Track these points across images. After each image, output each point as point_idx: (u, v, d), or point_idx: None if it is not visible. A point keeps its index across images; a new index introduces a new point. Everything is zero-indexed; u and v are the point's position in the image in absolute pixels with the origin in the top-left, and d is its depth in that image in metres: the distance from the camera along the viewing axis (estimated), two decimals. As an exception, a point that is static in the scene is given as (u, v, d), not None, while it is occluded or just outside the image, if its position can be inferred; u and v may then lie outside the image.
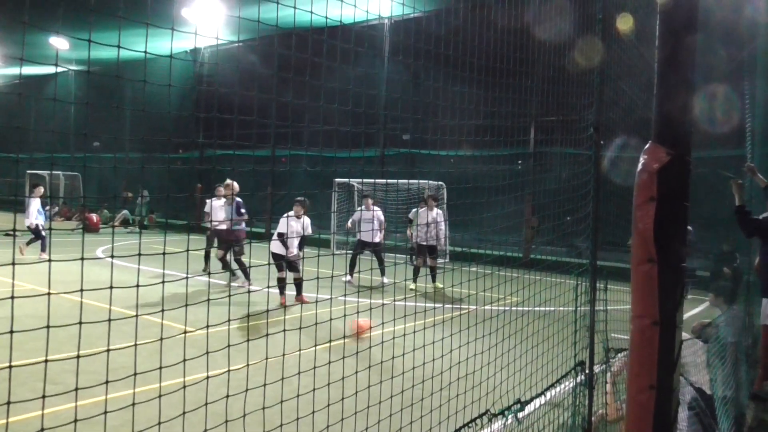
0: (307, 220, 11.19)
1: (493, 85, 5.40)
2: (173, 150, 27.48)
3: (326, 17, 4.49)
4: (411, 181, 17.25)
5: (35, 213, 15.83)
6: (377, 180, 18.26)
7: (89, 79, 31.67)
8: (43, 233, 15.81)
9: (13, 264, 2.83)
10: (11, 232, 17.94)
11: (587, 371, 5.34)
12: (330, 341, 4.09)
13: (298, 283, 10.54)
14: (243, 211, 11.90)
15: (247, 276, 12.15)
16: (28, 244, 16.35)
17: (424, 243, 11.94)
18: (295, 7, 4.06)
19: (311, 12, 4.03)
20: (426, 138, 18.60)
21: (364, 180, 18.61)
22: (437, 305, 10.08)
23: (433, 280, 12.05)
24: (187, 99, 26.50)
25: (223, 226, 11.62)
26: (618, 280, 6.03)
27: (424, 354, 4.65)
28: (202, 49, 26.22)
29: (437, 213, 11.95)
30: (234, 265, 11.97)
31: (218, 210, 12.58)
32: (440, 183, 15.97)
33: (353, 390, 4.22)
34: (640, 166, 2.87)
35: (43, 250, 15.85)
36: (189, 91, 26.11)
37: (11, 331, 2.66)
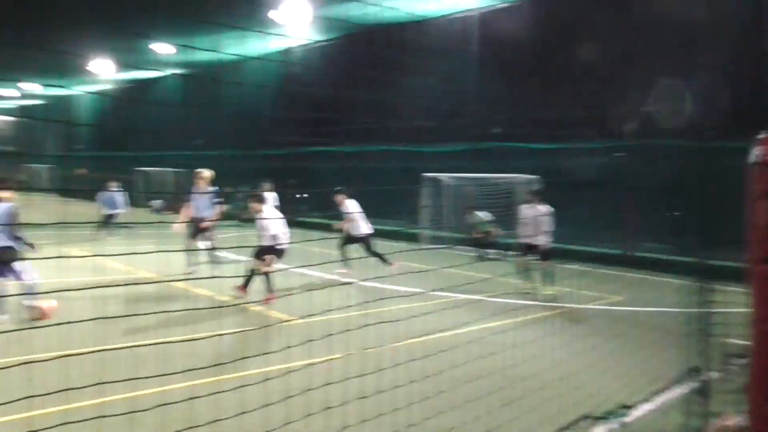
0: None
1: (593, 76, 5.21)
2: (266, 147, 28.45)
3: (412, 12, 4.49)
4: (502, 175, 16.93)
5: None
6: (467, 174, 18.10)
7: (190, 81, 33.43)
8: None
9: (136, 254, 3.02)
10: (130, 225, 19.08)
11: (701, 377, 5.03)
12: (418, 337, 4.11)
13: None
14: (216, 200, 12.26)
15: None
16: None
17: (530, 242, 10.75)
18: (381, 5, 4.07)
19: (393, 8, 4.05)
20: (518, 131, 18.27)
21: (454, 175, 18.51)
22: (532, 303, 9.86)
23: (546, 282, 10.99)
24: (278, 97, 27.35)
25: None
26: (731, 279, 5.67)
27: (520, 352, 4.57)
28: (291, 49, 26.99)
29: (541, 209, 10.87)
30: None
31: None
32: (534, 177, 15.55)
33: (449, 385, 4.22)
34: (753, 158, 2.67)
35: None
36: (280, 90, 26.93)
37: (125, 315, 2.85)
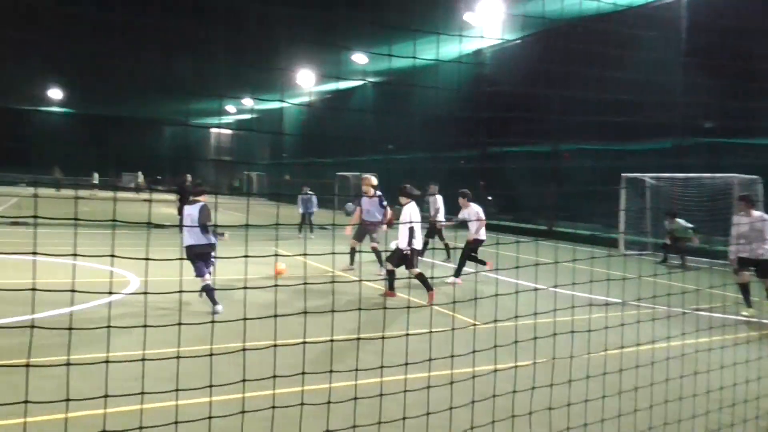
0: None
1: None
2: (457, 149, 28.76)
3: (614, 3, 4.23)
4: (715, 174, 15.18)
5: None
6: (673, 174, 16.60)
7: (384, 89, 35.01)
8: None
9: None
10: (328, 227, 20.61)
11: None
12: (612, 349, 3.86)
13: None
14: (384, 203, 11.98)
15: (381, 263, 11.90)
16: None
17: (748, 256, 9.17)
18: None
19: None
20: (735, 125, 16.30)
21: (658, 174, 17.07)
22: (752, 320, 8.76)
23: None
24: (469, 99, 27.53)
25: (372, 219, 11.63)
26: None
27: (731, 374, 4.08)
28: (483, 49, 26.99)
29: (756, 215, 9.26)
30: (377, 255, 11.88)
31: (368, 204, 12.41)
32: (755, 177, 13.64)
33: (645, 403, 3.92)
34: None
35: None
36: (472, 91, 27.07)
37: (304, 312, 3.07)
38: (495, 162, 24.78)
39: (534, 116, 20.37)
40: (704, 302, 8.63)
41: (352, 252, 11.69)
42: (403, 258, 8.98)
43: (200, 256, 7.78)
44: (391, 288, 9.45)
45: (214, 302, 7.73)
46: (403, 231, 8.96)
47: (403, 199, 9.31)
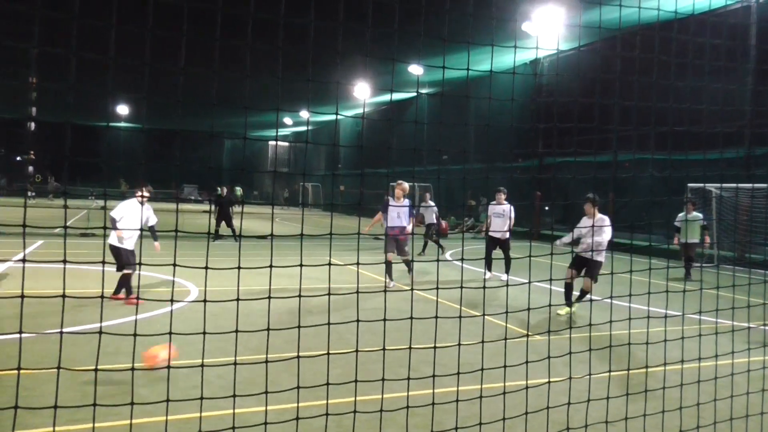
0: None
1: None
2: (513, 160, 28.47)
3: (675, 12, 4.14)
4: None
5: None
6: (740, 185, 15.93)
7: (439, 99, 35.06)
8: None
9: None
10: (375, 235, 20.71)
11: None
12: (672, 363, 3.73)
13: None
14: (414, 211, 11.87)
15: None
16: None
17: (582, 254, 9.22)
18: (639, 7, 3.82)
19: (657, 9, 3.77)
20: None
21: (724, 185, 16.43)
22: None
23: None
24: (526, 109, 27.27)
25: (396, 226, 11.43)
26: None
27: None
28: (541, 59, 26.72)
29: (599, 219, 8.99)
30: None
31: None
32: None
33: (708, 420, 3.77)
34: None
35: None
36: (528, 101, 26.80)
37: (384, 320, 3.11)
38: (552, 172, 24.40)
39: (593, 126, 19.94)
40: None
41: (389, 265, 11.17)
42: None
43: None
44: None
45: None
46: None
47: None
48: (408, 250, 11.25)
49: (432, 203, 17.53)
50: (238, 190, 56.35)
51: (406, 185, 11.54)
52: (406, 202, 11.43)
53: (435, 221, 17.40)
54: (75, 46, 3.16)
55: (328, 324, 2.93)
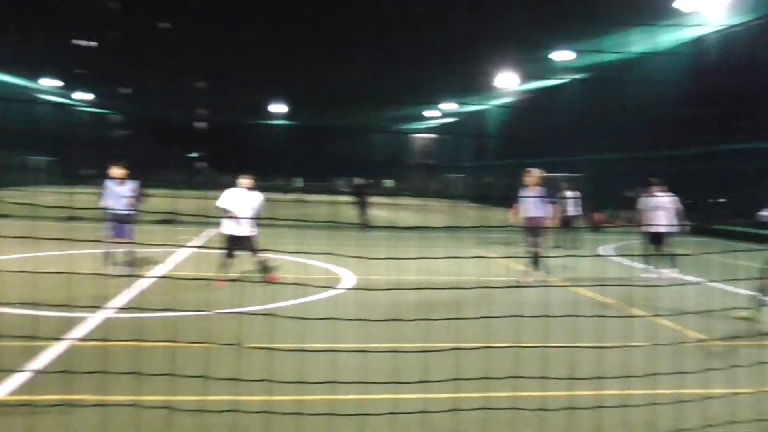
0: None
1: None
2: (678, 147, 26.24)
3: None
4: None
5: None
6: None
7: (593, 85, 33.26)
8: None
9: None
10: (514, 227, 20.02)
11: None
12: None
13: None
14: (551, 200, 10.57)
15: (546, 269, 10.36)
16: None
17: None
18: None
19: None
20: None
21: None
22: None
23: None
24: (688, 92, 24.99)
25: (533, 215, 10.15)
26: None
27: None
28: (703, 37, 24.30)
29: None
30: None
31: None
32: None
33: None
34: None
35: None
36: (691, 83, 24.57)
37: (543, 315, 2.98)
38: (720, 161, 22.20)
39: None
40: None
41: (536, 258, 10.57)
42: None
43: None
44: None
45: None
46: None
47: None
48: (540, 241, 10.52)
49: (572, 194, 16.73)
50: (389, 182, 57.68)
51: (537, 172, 10.82)
52: (540, 191, 10.61)
53: (575, 213, 16.61)
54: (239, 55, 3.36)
55: (485, 317, 2.86)
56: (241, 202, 9.15)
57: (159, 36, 23.77)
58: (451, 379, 3.36)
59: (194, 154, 56.47)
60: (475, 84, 33.10)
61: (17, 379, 4.61)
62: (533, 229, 10.49)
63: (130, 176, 9.73)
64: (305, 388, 3.86)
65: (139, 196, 9.67)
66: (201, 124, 49.89)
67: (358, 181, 20.93)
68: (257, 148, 55.74)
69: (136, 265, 9.73)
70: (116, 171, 9.52)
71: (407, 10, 18.15)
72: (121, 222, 9.20)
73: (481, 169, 48.52)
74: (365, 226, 19.10)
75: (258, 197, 9.37)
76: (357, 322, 5.66)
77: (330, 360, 5.20)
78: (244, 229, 9.04)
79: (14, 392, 4.39)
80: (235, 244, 9.08)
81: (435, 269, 10.73)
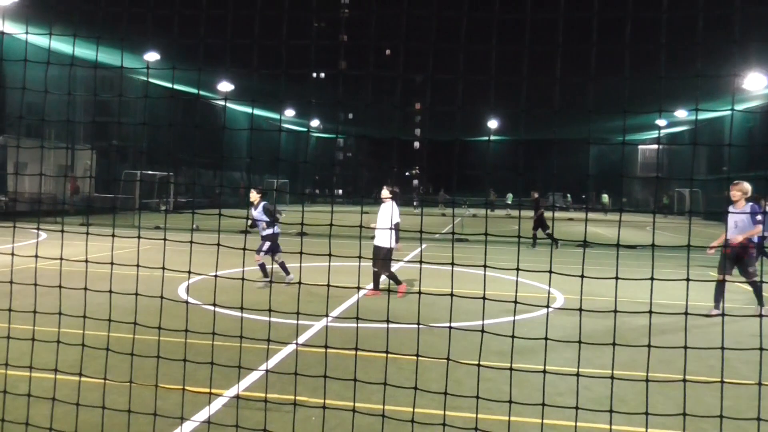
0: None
1: None
2: None
3: None
4: None
5: None
6: None
7: None
8: None
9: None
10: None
11: None
12: None
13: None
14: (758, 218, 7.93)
15: None
16: None
17: None
18: None
19: None
20: None
21: None
22: None
23: None
24: None
25: None
26: None
27: None
28: None
29: None
30: None
31: None
32: None
33: None
34: None
35: None
36: None
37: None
38: None
39: None
40: None
41: (719, 287, 8.55)
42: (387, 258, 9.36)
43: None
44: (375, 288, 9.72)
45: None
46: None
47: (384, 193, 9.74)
48: (753, 270, 8.77)
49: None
50: (605, 197, 54.24)
51: (747, 186, 8.79)
52: (748, 207, 8.86)
53: None
54: (461, 72, 3.43)
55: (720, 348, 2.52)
56: (382, 214, 9.80)
57: (381, 61, 25.34)
58: (678, 414, 3.02)
59: (410, 172, 59.10)
60: (713, 89, 29.74)
61: (252, 377, 5.20)
62: (737, 253, 8.86)
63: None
64: (515, 408, 3.76)
65: (271, 216, 10.47)
66: (415, 143, 52.06)
67: (535, 194, 19.73)
68: (470, 163, 56.42)
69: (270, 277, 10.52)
70: (253, 195, 10.59)
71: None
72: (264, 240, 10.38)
73: (718, 182, 43.36)
74: (555, 240, 18.05)
75: (395, 209, 9.72)
76: (566, 344, 5.40)
77: (541, 382, 5.02)
78: (384, 240, 9.58)
79: (248, 389, 4.94)
80: (377, 255, 9.61)
81: (662, 292, 9.83)
